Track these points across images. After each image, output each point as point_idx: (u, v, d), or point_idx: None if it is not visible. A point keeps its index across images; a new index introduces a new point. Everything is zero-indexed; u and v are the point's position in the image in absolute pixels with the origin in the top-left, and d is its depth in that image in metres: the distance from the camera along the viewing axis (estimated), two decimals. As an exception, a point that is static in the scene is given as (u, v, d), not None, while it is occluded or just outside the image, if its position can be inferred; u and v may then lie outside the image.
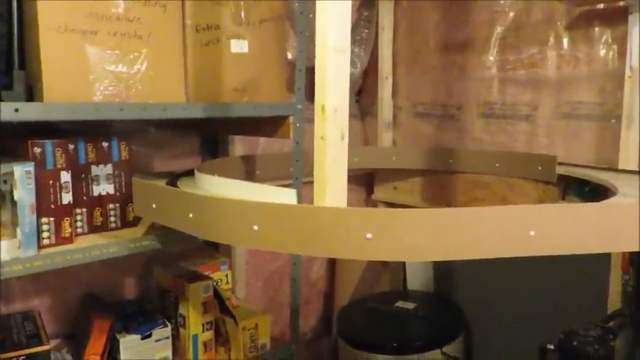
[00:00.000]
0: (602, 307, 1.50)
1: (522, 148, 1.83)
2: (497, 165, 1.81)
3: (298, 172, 1.50)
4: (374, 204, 2.23)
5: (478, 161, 1.86)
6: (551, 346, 1.29)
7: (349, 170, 0.94)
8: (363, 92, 2.32)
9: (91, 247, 1.15)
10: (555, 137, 1.73)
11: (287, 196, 1.00)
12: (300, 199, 1.03)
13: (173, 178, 1.39)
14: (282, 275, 2.03)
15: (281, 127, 1.47)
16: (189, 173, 1.45)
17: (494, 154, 1.83)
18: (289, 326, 1.55)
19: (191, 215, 1.02)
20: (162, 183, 1.36)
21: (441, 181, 2.05)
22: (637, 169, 1.46)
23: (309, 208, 0.87)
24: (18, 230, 1.06)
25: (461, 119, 2.01)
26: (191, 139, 1.74)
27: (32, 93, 1.13)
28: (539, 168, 1.67)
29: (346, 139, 0.97)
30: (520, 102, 1.84)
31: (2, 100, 1.04)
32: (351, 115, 2.39)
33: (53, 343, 1.43)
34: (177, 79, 1.27)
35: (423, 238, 0.81)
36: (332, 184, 0.95)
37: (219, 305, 1.49)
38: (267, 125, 1.49)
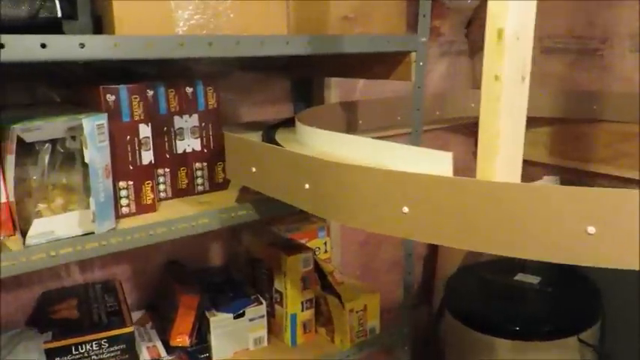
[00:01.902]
0: None
1: (690, 90, 1.44)
2: (663, 113, 1.43)
3: (418, 123, 1.20)
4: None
5: (634, 108, 1.49)
6: None
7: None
8: (472, 24, 1.94)
9: (177, 219, 0.93)
10: None
11: (439, 161, 0.72)
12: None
13: (268, 131, 1.14)
14: (379, 239, 1.79)
15: (399, 67, 1.16)
16: (286, 124, 1.20)
17: (659, 99, 1.45)
18: (392, 298, 1.32)
19: (307, 186, 0.76)
20: (256, 137, 1.12)
21: (573, 132, 1.69)
22: None
23: (496, 185, 0.59)
24: (91, 200, 0.85)
25: (605, 55, 1.62)
26: (282, 83, 1.47)
27: (100, 25, 0.89)
28: None
29: (527, 81, 0.67)
30: (693, 31, 1.43)
31: (64, 33, 0.81)
32: (460, 52, 2.07)
33: (135, 315, 1.27)
34: (278, 3, 0.99)
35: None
36: (507, 148, 0.67)
37: (321, 281, 1.27)
38: (381, 64, 1.19)
